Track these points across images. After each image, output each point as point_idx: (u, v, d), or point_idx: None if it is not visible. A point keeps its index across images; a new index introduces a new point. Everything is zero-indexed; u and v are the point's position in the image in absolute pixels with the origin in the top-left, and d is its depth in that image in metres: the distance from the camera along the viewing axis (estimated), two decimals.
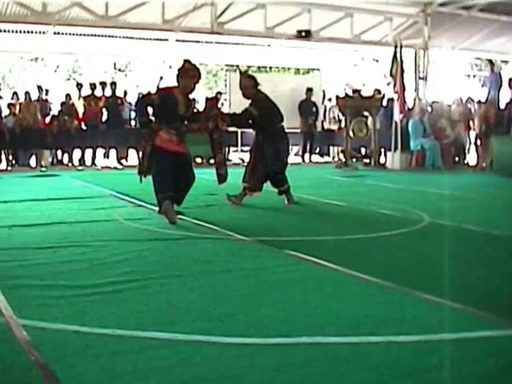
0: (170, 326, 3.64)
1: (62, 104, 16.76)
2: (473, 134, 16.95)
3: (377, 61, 28.24)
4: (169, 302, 4.17)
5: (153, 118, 7.67)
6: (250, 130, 10.20)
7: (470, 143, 17.21)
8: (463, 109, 17.16)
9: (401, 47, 15.94)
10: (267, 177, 9.14)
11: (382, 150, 17.14)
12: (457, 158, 17.13)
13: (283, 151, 9.24)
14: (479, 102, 17.09)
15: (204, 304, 4.12)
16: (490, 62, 18.29)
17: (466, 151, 17.29)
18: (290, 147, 10.87)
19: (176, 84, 7.60)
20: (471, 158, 17.22)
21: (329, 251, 5.80)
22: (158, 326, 3.63)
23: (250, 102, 9.00)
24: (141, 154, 7.98)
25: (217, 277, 4.85)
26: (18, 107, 16.14)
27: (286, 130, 9.37)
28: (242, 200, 9.07)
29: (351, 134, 16.39)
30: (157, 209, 7.53)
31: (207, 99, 8.40)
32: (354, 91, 17.66)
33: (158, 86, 15.86)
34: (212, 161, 9.40)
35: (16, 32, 16.32)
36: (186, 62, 7.60)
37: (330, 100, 20.45)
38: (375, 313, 3.91)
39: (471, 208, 9.05)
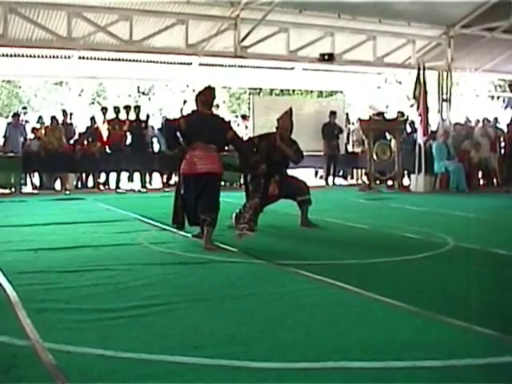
0: (194, 350, 3.64)
1: (87, 128, 16.89)
2: (497, 155, 16.90)
3: (400, 83, 28.25)
4: (193, 326, 4.17)
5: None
6: None
7: (495, 165, 17.12)
8: (487, 130, 17.09)
9: (424, 69, 15.95)
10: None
11: (406, 172, 17.11)
12: (481, 181, 17.06)
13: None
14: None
15: (229, 328, 4.12)
16: None
17: (491, 173, 17.20)
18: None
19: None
20: (496, 180, 17.11)
21: (353, 275, 5.80)
22: (182, 350, 3.63)
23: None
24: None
25: (241, 301, 4.85)
26: (43, 131, 16.30)
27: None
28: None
29: (375, 156, 16.38)
30: (181, 232, 7.57)
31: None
32: (378, 114, 17.63)
33: (181, 110, 15.98)
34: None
35: (42, 57, 16.51)
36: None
37: (353, 124, 20.42)
38: (400, 337, 3.89)
39: (496, 231, 9.00)
